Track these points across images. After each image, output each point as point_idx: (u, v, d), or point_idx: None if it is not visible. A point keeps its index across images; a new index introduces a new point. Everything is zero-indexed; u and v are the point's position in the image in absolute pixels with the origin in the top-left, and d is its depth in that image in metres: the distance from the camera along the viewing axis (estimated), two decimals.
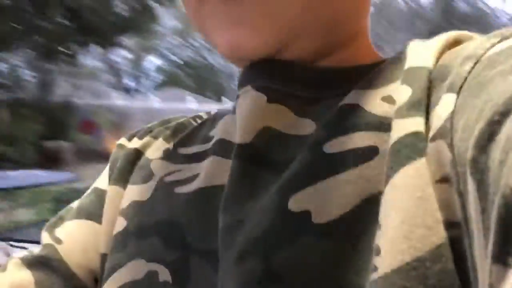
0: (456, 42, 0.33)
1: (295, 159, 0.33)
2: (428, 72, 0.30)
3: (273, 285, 0.28)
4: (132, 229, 0.39)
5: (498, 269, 0.19)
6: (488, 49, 0.28)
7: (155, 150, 0.44)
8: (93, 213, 0.44)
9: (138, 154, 0.45)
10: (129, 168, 0.44)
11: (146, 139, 0.46)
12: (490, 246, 0.20)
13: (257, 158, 0.35)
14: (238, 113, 0.37)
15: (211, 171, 0.37)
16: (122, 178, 0.44)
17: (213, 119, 0.44)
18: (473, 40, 0.32)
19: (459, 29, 0.35)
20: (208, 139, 0.41)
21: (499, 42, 0.28)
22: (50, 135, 7.69)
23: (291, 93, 0.37)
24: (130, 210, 0.40)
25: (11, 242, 1.46)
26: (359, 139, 0.31)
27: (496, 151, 0.21)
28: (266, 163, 0.35)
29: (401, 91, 0.31)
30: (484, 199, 0.21)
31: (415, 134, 0.28)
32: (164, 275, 0.35)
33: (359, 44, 0.40)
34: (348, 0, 0.38)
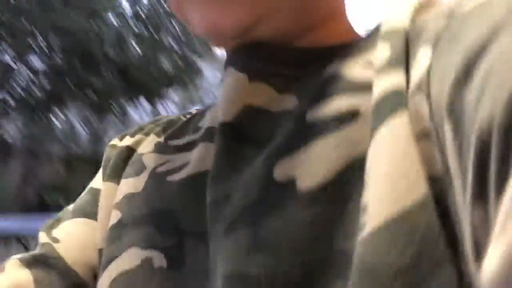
0: (430, 3, 0.33)
1: (278, 132, 0.33)
2: (405, 32, 0.30)
3: (261, 254, 0.28)
4: (126, 220, 0.39)
5: (478, 207, 0.19)
6: (462, 5, 0.27)
7: (147, 145, 0.44)
8: (89, 211, 0.44)
9: (130, 151, 0.45)
10: (122, 165, 0.44)
11: (138, 136, 0.46)
12: (469, 188, 0.20)
13: (240, 135, 0.35)
14: (220, 94, 0.38)
15: (200, 157, 0.38)
16: (115, 174, 0.44)
17: (203, 111, 0.45)
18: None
19: None
20: (198, 129, 0.42)
21: None
22: None
23: (272, 71, 0.37)
24: (124, 202, 0.41)
25: None
26: (340, 104, 0.31)
27: (471, 93, 0.20)
28: (250, 139, 0.35)
29: (380, 53, 0.31)
30: (460, 142, 0.21)
31: (396, 89, 0.28)
32: (159, 260, 0.35)
33: (336, 24, 0.40)
34: None
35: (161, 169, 0.40)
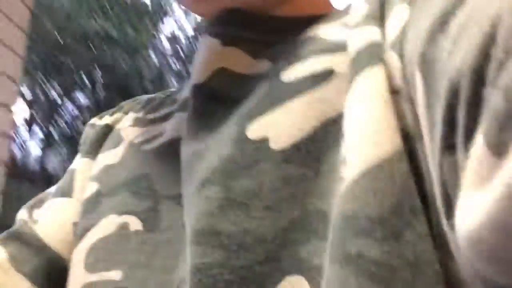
0: None
1: (252, 93, 0.33)
2: None
3: (233, 212, 0.28)
4: (103, 190, 0.39)
5: (447, 156, 0.19)
6: None
7: (125, 121, 0.45)
8: (66, 190, 0.44)
9: (109, 128, 0.45)
10: (99, 141, 0.44)
11: (117, 114, 0.46)
12: (438, 137, 0.19)
13: (213, 95, 0.35)
14: (194, 60, 0.38)
15: (175, 126, 0.38)
16: (92, 150, 0.44)
17: (181, 87, 0.45)
18: None
19: None
20: (175, 101, 0.42)
21: None
22: None
23: (246, 37, 0.37)
24: (101, 173, 0.41)
25: None
26: (315, 64, 0.31)
27: (445, 42, 0.20)
28: (223, 99, 0.35)
29: (356, 13, 0.31)
30: (430, 91, 0.21)
31: (372, 43, 0.28)
32: (135, 224, 0.35)
33: None
34: None
35: (137, 140, 0.41)
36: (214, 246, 0.28)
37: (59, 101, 9.97)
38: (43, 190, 0.48)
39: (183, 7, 0.43)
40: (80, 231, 0.39)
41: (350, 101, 0.27)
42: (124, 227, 0.35)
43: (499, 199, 0.15)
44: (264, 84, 0.33)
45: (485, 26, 0.16)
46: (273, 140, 0.29)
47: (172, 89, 0.48)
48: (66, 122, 10.03)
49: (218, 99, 0.35)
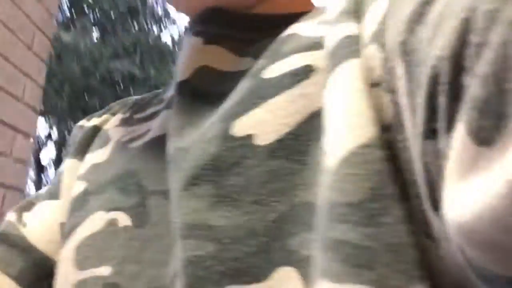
0: None
1: (235, 90, 0.34)
2: None
3: (224, 207, 0.29)
4: (91, 188, 0.39)
5: (429, 143, 0.19)
6: None
7: (113, 122, 0.45)
8: (54, 192, 0.44)
9: (96, 129, 0.46)
10: (87, 142, 0.45)
11: (105, 116, 0.47)
12: (420, 125, 0.20)
13: (197, 92, 0.36)
14: (179, 58, 0.39)
15: (161, 123, 0.39)
16: (79, 151, 0.44)
17: (167, 87, 0.46)
18: None
19: None
20: (161, 101, 0.43)
21: None
22: None
23: (228, 35, 0.38)
24: (88, 173, 0.41)
25: None
26: (295, 61, 0.31)
27: (424, 31, 0.20)
28: (206, 96, 0.35)
29: (333, 9, 0.32)
30: (412, 80, 0.21)
31: (349, 37, 0.28)
32: (124, 220, 0.35)
33: None
34: None
35: (124, 138, 0.41)
36: (207, 239, 0.28)
37: None
38: None
39: None
40: (67, 230, 0.38)
41: (328, 95, 0.27)
42: (112, 223, 0.36)
43: (501, 195, 0.15)
44: (247, 82, 0.33)
45: (461, 13, 0.17)
46: (258, 137, 0.30)
47: (160, 90, 0.49)
48: None
49: (202, 96, 0.35)
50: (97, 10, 9.30)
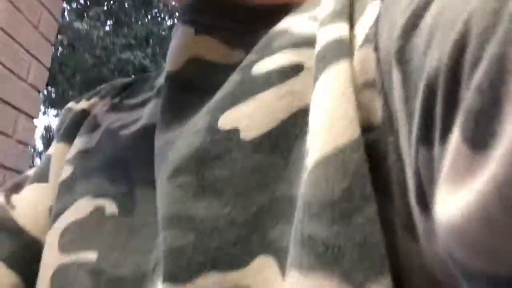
0: None
1: (225, 84, 0.33)
2: None
3: (206, 198, 0.29)
4: (78, 174, 0.40)
5: (423, 149, 0.20)
6: None
7: (102, 106, 0.45)
8: (43, 175, 0.44)
9: (85, 113, 0.45)
10: (75, 127, 0.45)
11: (94, 99, 0.47)
12: (415, 131, 0.20)
13: (186, 84, 0.35)
14: (169, 48, 0.38)
15: (151, 111, 0.39)
16: (68, 135, 0.44)
17: (158, 72, 0.46)
18: None
19: None
20: (152, 87, 0.43)
21: None
22: None
23: (220, 25, 0.37)
24: (77, 158, 0.41)
25: None
26: (285, 58, 0.31)
27: (419, 39, 0.21)
28: (195, 88, 0.35)
29: (324, 7, 0.32)
30: (408, 87, 0.22)
31: (339, 39, 0.28)
32: (111, 207, 0.35)
33: None
34: None
35: (114, 125, 0.41)
36: (188, 229, 0.28)
37: None
38: None
39: None
40: (54, 214, 0.39)
41: (315, 95, 0.28)
42: (99, 210, 0.36)
43: (484, 193, 0.16)
44: (236, 75, 0.33)
45: (458, 25, 0.17)
46: (244, 131, 0.30)
47: (150, 73, 0.48)
48: None
49: (191, 89, 0.35)
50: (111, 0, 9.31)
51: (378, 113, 0.25)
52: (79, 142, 0.43)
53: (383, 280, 0.23)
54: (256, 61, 0.33)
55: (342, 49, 0.28)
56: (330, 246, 0.24)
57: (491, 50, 0.15)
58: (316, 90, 0.28)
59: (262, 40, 0.34)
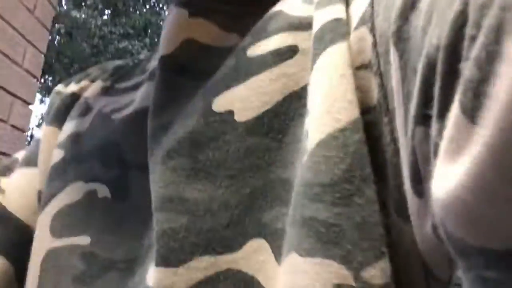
0: None
1: (220, 67, 0.33)
2: None
3: (199, 180, 0.29)
4: (70, 157, 0.39)
5: (420, 130, 0.20)
6: None
7: (93, 90, 0.44)
8: (32, 159, 0.44)
9: (75, 97, 0.45)
10: (65, 110, 0.44)
11: (83, 82, 0.46)
12: (413, 110, 0.20)
13: (180, 67, 0.35)
14: (162, 31, 0.38)
15: (145, 95, 0.38)
16: (57, 119, 0.44)
17: (151, 55, 0.45)
18: None
19: None
20: (144, 71, 0.42)
21: None
22: None
23: (213, 8, 0.36)
24: (68, 141, 0.41)
25: None
26: (280, 40, 0.31)
27: (418, 19, 0.20)
28: (190, 71, 0.35)
29: None
30: (405, 67, 0.21)
31: (336, 20, 0.28)
32: (103, 192, 0.35)
33: None
34: None
35: (106, 109, 0.40)
36: (181, 211, 0.28)
37: None
38: None
39: None
40: (45, 198, 0.38)
41: (313, 77, 0.28)
42: (91, 194, 0.36)
43: (478, 160, 0.16)
44: (231, 59, 0.33)
45: (456, 3, 0.17)
46: (238, 113, 0.30)
47: (141, 56, 0.48)
48: None
49: (184, 72, 0.35)
50: None
51: (373, 94, 0.25)
52: (70, 126, 0.42)
53: (380, 263, 0.23)
54: (251, 44, 0.32)
55: (340, 30, 0.27)
56: (331, 226, 0.24)
57: (487, 22, 0.16)
58: (314, 72, 0.27)
59: (258, 23, 0.34)
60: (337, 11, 0.29)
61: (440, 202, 0.18)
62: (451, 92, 0.17)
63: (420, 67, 0.19)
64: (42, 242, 0.36)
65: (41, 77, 2.12)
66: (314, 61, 0.28)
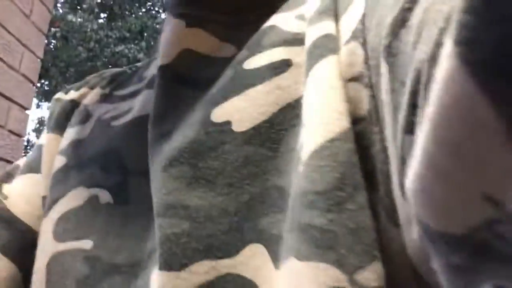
0: None
1: (219, 78, 0.34)
2: None
3: (200, 188, 0.30)
4: (71, 164, 0.40)
5: (408, 139, 0.21)
6: None
7: (92, 97, 0.45)
8: (34, 166, 0.44)
9: (74, 104, 0.46)
10: (65, 117, 0.45)
11: (83, 90, 0.47)
12: (401, 120, 0.21)
13: (180, 77, 0.36)
14: (160, 41, 0.39)
15: (144, 102, 0.39)
16: (58, 126, 0.44)
17: (148, 63, 0.46)
18: None
19: None
20: (142, 79, 0.43)
21: None
22: None
23: (210, 19, 0.38)
24: (69, 148, 0.41)
25: None
26: (274, 55, 0.33)
27: (408, 35, 0.21)
28: (189, 82, 0.36)
29: (311, 6, 0.33)
30: (394, 80, 0.23)
31: (326, 36, 0.30)
32: (105, 197, 0.36)
33: None
34: None
35: (106, 116, 0.41)
36: (182, 218, 0.29)
37: None
38: None
39: None
40: (48, 203, 0.39)
41: (307, 90, 0.29)
42: (93, 199, 0.36)
43: (426, 142, 0.17)
44: (229, 70, 0.34)
45: (440, 23, 0.18)
46: (236, 123, 0.31)
47: (139, 64, 0.48)
48: None
49: (184, 81, 0.36)
50: None
51: (363, 106, 0.27)
52: (71, 133, 0.43)
53: (374, 266, 0.24)
54: (247, 57, 0.34)
55: (330, 45, 0.29)
56: (326, 232, 0.25)
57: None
58: (307, 84, 0.29)
59: (253, 37, 0.35)
60: (327, 27, 0.30)
61: (409, 192, 0.19)
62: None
63: (409, 80, 0.20)
64: (46, 247, 0.37)
65: (37, 82, 2.12)
66: (306, 75, 0.29)
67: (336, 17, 0.31)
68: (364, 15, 0.28)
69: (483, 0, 0.14)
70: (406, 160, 0.22)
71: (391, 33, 0.23)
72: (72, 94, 0.47)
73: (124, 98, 0.42)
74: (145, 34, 8.97)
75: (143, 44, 8.78)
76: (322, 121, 0.27)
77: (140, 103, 0.39)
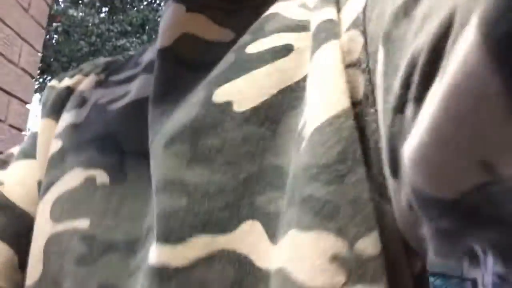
0: None
1: (220, 61, 0.35)
2: None
3: (199, 165, 0.30)
4: (68, 147, 0.40)
5: (398, 118, 0.22)
6: None
7: (87, 83, 0.46)
8: (29, 152, 0.44)
9: (70, 90, 0.46)
10: (61, 103, 0.45)
11: (77, 77, 0.47)
12: (393, 101, 0.22)
13: (180, 60, 0.36)
14: (160, 25, 0.39)
15: (141, 86, 0.40)
16: (54, 112, 0.45)
17: (143, 50, 0.47)
18: None
19: None
20: (138, 64, 0.44)
21: None
22: None
23: (210, 4, 0.38)
24: (65, 132, 0.42)
25: None
26: (277, 40, 0.34)
27: (410, 24, 0.22)
28: (188, 64, 0.36)
29: None
30: (389, 64, 0.24)
31: (329, 21, 0.31)
32: (102, 177, 0.36)
33: None
34: None
35: (102, 100, 0.42)
36: (181, 194, 0.30)
37: None
38: None
39: None
40: (44, 186, 0.39)
41: (311, 71, 0.30)
42: (90, 179, 0.37)
43: (435, 110, 0.18)
44: (231, 55, 0.35)
45: (444, 14, 0.19)
46: (237, 104, 0.32)
47: (132, 53, 0.49)
48: None
49: (183, 63, 0.36)
50: None
51: (359, 90, 0.28)
52: (67, 117, 0.43)
53: (372, 235, 0.25)
54: (250, 42, 0.35)
55: (332, 29, 0.30)
56: (327, 202, 0.26)
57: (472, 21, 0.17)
58: (311, 66, 0.30)
59: (256, 23, 0.36)
60: (330, 12, 0.31)
61: (407, 160, 0.20)
62: (429, 81, 0.19)
63: (404, 63, 0.21)
64: (43, 228, 0.37)
65: (39, 77, 2.11)
66: (311, 57, 0.30)
67: (338, 6, 0.32)
68: (365, 6, 0.29)
69: None
70: (395, 136, 0.23)
71: (393, 20, 0.24)
72: (67, 81, 0.47)
73: (119, 83, 0.43)
74: (147, 28, 8.95)
75: (145, 37, 8.76)
76: (325, 100, 0.28)
77: (137, 87, 0.40)
